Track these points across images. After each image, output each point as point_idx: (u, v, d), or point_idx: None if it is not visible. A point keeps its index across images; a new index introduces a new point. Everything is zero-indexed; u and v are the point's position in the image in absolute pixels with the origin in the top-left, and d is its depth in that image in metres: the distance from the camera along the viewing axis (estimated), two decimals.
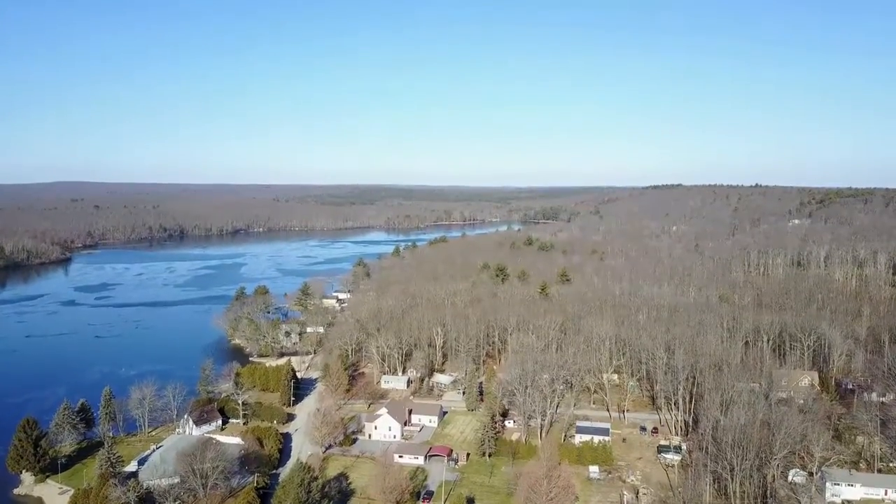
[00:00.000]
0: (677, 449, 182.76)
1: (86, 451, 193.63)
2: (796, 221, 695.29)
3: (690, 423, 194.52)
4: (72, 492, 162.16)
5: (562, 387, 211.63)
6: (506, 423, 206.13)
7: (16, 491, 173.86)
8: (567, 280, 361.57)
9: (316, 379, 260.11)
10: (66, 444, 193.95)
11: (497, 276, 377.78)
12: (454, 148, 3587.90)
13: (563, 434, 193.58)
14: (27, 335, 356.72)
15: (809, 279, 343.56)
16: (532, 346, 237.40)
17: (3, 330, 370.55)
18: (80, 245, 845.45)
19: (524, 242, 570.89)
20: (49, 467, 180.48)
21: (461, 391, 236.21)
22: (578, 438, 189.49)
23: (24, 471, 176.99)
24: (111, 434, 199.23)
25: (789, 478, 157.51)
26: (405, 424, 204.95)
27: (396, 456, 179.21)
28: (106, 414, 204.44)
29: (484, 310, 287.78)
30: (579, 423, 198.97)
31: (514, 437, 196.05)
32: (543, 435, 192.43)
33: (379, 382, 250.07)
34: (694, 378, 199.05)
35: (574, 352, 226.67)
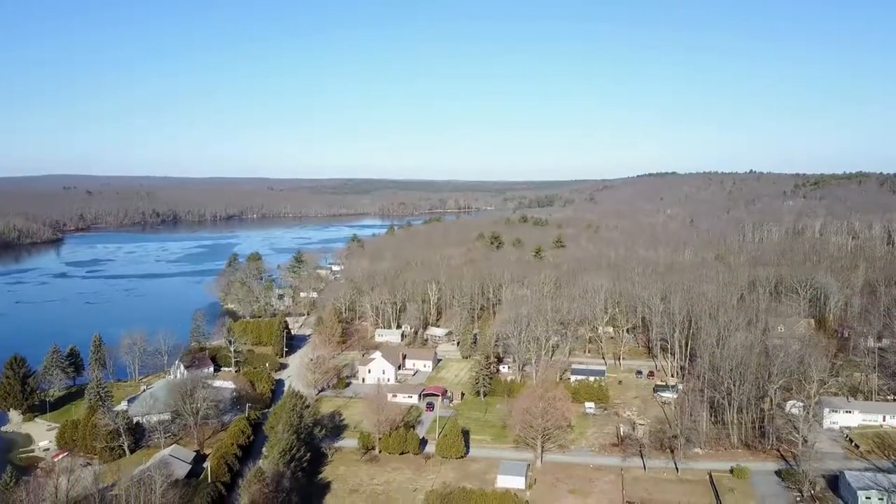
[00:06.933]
0: (674, 388, 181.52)
1: (75, 395, 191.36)
2: (791, 203, 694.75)
3: (687, 366, 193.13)
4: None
5: (557, 338, 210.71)
6: (500, 367, 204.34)
7: (3, 428, 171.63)
8: (562, 246, 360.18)
9: (309, 335, 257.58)
10: (55, 389, 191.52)
11: (492, 243, 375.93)
12: (448, 142, 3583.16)
13: (559, 375, 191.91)
14: (17, 301, 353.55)
15: (805, 242, 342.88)
16: (527, 298, 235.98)
17: None
18: (72, 228, 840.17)
19: (519, 220, 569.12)
20: (38, 408, 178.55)
21: (455, 342, 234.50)
22: (574, 378, 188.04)
23: (11, 409, 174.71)
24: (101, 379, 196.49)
25: (787, 409, 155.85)
26: (399, 368, 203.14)
27: (390, 395, 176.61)
28: (95, 359, 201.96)
29: (478, 269, 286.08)
30: (575, 366, 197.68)
31: (509, 379, 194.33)
32: (538, 377, 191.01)
33: (373, 336, 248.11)
34: (690, 322, 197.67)
35: (569, 301, 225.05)
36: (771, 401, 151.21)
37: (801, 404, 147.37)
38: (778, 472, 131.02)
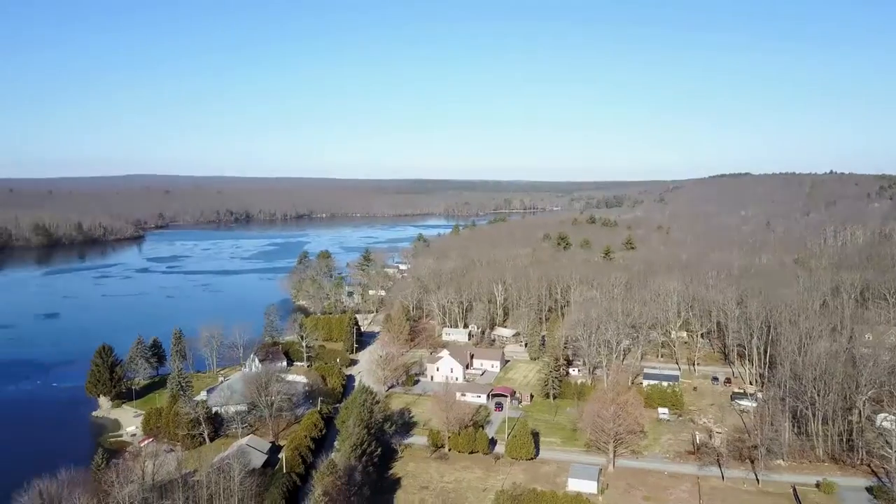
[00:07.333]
0: (752, 396, 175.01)
1: (158, 384, 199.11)
2: (876, 205, 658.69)
3: (766, 374, 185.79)
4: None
5: (628, 341, 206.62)
6: (570, 370, 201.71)
7: (94, 413, 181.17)
8: (632, 248, 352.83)
9: (378, 332, 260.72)
10: (140, 378, 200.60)
11: (559, 244, 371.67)
12: (514, 142, 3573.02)
13: (631, 379, 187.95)
14: (104, 295, 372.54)
15: (893, 246, 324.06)
16: (597, 300, 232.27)
17: (82, 291, 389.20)
18: (152, 225, 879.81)
19: (587, 220, 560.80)
20: (125, 395, 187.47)
21: (523, 343, 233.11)
22: (646, 383, 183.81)
23: (100, 395, 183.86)
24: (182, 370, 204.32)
25: (877, 422, 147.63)
26: (467, 368, 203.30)
27: (459, 394, 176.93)
28: (176, 351, 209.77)
29: (545, 270, 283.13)
30: (647, 370, 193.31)
31: (579, 382, 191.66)
32: (609, 380, 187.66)
33: (440, 335, 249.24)
34: (768, 328, 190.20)
35: (640, 304, 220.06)
36: (860, 413, 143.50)
37: (894, 418, 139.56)
38: (869, 489, 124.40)
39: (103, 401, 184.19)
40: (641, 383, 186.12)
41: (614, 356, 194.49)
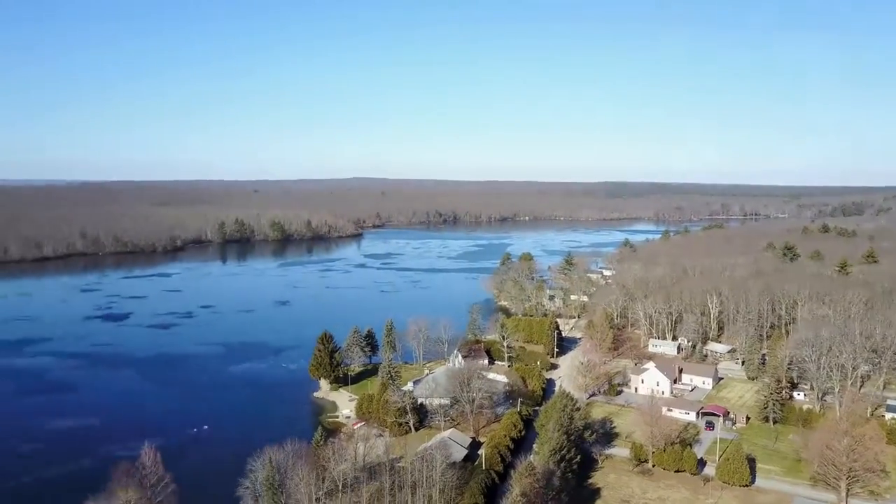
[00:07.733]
0: None
1: (370, 372, 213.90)
2: None
3: None
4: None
5: (867, 367, 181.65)
6: (793, 394, 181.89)
7: (315, 394, 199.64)
8: (874, 261, 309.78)
9: (579, 338, 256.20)
10: (354, 365, 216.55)
11: (784, 254, 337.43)
12: (730, 142, 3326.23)
13: (870, 410, 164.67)
14: (327, 286, 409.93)
15: None
16: (829, 318, 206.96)
17: (310, 282, 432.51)
18: (369, 224, 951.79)
19: (819, 229, 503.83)
20: (341, 380, 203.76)
21: (739, 361, 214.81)
22: (889, 416, 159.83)
23: (321, 378, 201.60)
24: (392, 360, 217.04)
25: None
26: (675, 382, 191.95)
27: (665, 409, 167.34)
28: (388, 342, 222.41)
29: (768, 282, 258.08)
30: (891, 402, 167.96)
31: (805, 407, 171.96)
32: (843, 409, 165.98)
33: (646, 346, 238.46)
34: None
35: (884, 326, 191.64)
36: None
37: None
38: None
39: (323, 383, 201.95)
40: (884, 416, 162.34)
41: (849, 382, 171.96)
